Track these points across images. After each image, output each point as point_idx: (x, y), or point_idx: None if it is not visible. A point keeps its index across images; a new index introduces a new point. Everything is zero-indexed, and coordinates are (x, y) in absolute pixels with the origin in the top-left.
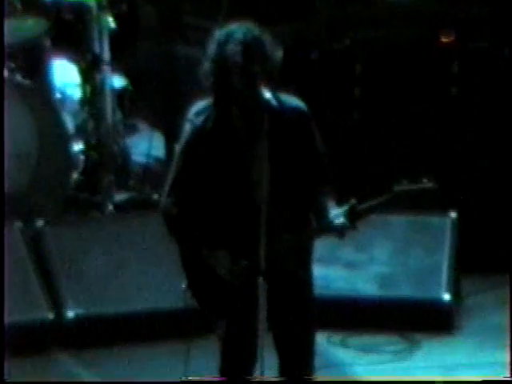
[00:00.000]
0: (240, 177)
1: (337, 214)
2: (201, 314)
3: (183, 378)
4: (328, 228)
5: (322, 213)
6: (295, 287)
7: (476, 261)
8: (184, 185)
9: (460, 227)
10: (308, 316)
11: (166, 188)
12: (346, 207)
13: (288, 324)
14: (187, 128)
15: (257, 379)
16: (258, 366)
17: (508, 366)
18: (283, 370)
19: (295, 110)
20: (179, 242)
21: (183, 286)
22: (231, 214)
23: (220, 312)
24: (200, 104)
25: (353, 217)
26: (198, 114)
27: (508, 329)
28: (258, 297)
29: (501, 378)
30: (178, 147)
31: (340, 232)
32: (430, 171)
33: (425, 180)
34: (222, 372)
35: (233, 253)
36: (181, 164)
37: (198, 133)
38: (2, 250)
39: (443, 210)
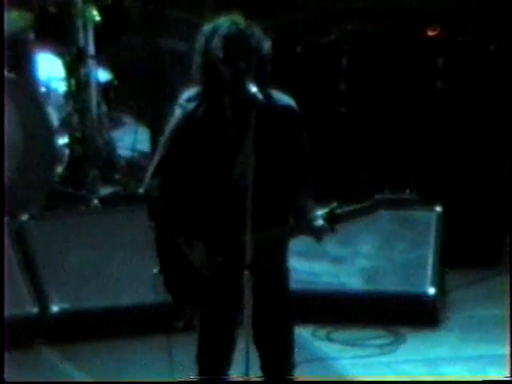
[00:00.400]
0: (224, 168)
1: (316, 215)
2: (170, 307)
3: (183, 378)
4: (306, 228)
5: (301, 213)
6: (270, 283)
7: (460, 255)
8: (169, 168)
9: (445, 221)
10: (284, 311)
11: (151, 169)
12: (326, 210)
13: (264, 320)
14: (177, 113)
15: (258, 379)
16: (243, 365)
17: (487, 360)
18: (263, 366)
19: (284, 108)
20: (157, 226)
21: (154, 271)
22: (213, 204)
23: (191, 302)
24: (192, 90)
25: (332, 220)
26: (189, 99)
27: (492, 322)
28: (237, 290)
29: (501, 378)
30: (166, 130)
31: (318, 234)
32: (414, 167)
33: (407, 191)
34: (200, 362)
35: (209, 244)
36: (168, 147)
37: (188, 119)
38: (2, 249)
39: (429, 204)
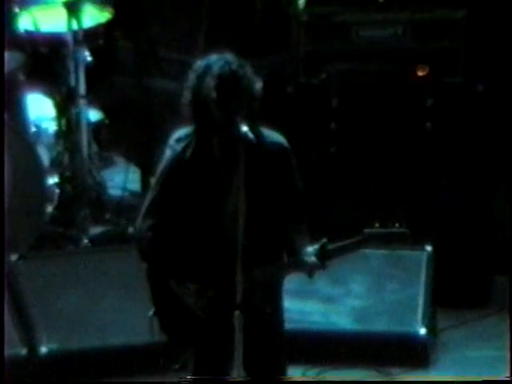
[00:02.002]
0: (215, 208)
1: (307, 252)
2: (167, 345)
3: (183, 378)
4: (298, 265)
5: (294, 250)
6: (264, 322)
7: (451, 295)
8: (160, 210)
9: (436, 261)
10: (277, 351)
11: (142, 211)
12: (316, 246)
13: (258, 359)
14: (167, 154)
15: (256, 380)
16: None
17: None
18: None
19: (275, 145)
20: (149, 268)
21: (150, 314)
22: (204, 244)
23: (186, 343)
24: (181, 131)
25: (323, 256)
26: (178, 140)
27: (483, 363)
28: (230, 330)
29: (501, 378)
30: (157, 172)
31: (309, 270)
32: (404, 206)
33: (396, 225)
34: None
35: (201, 284)
36: (158, 189)
37: (178, 159)
38: (3, 250)
39: (419, 244)
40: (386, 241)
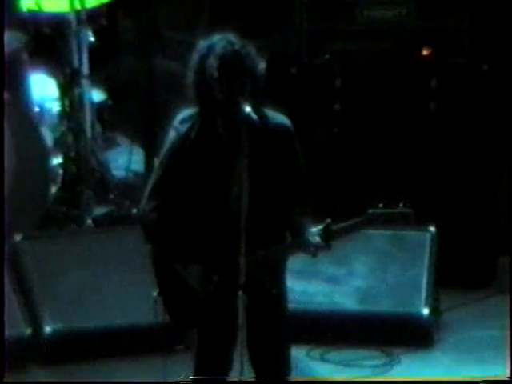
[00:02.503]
0: (219, 189)
1: (311, 232)
2: (171, 326)
3: (183, 378)
4: (302, 246)
5: (298, 230)
6: (268, 303)
7: (454, 275)
8: (164, 191)
9: (439, 242)
10: (281, 332)
11: (147, 192)
12: (320, 226)
13: (262, 340)
14: (171, 135)
15: (255, 379)
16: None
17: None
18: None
19: (278, 126)
20: (154, 249)
21: (154, 294)
22: (208, 225)
23: (190, 323)
24: (186, 112)
25: (327, 236)
26: (183, 121)
27: (486, 343)
28: (234, 310)
29: (501, 378)
30: (161, 153)
31: (313, 251)
32: (408, 187)
33: (400, 205)
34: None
35: (205, 266)
36: (163, 170)
37: (182, 140)
38: (3, 248)
39: (422, 225)
40: (389, 221)
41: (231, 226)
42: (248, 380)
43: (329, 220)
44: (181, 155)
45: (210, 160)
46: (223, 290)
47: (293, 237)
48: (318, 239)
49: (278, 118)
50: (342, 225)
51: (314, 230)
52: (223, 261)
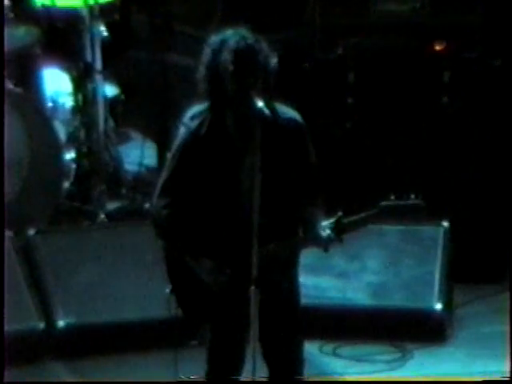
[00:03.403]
0: (230, 184)
1: (323, 226)
2: (184, 321)
3: (183, 378)
4: (314, 240)
5: (310, 225)
6: (280, 298)
7: (467, 270)
8: (175, 187)
9: (452, 237)
10: (294, 326)
11: (157, 189)
12: (332, 220)
13: (274, 334)
14: (182, 131)
15: (262, 379)
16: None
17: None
18: (272, 379)
19: (290, 121)
20: (165, 245)
21: (167, 291)
22: (219, 220)
23: (203, 318)
24: (195, 108)
25: (339, 230)
26: (193, 117)
27: (499, 338)
28: (247, 305)
29: (501, 378)
30: (172, 149)
31: (325, 244)
32: (420, 181)
33: (412, 196)
34: (209, 378)
35: (218, 260)
36: (173, 166)
37: (192, 137)
38: (3, 250)
39: (435, 219)
40: (402, 213)
41: (243, 221)
42: (250, 380)
43: (340, 213)
44: (191, 151)
45: (221, 155)
46: (236, 285)
47: (304, 231)
48: (329, 232)
49: (289, 112)
50: (353, 217)
51: (325, 223)
52: (235, 254)
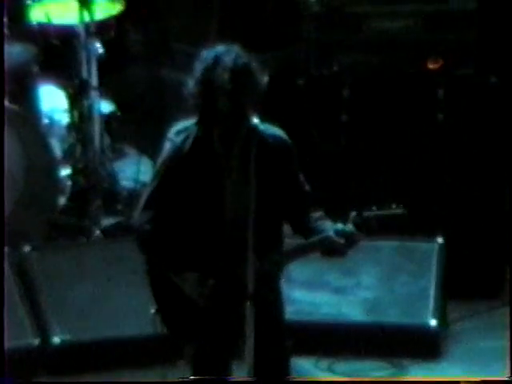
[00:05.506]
0: (214, 200)
1: (335, 228)
2: (170, 340)
3: (183, 378)
4: (325, 243)
5: (315, 230)
6: (266, 311)
7: (462, 286)
8: (159, 202)
9: (447, 252)
10: (280, 339)
11: (141, 204)
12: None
13: (261, 348)
14: (167, 147)
15: (256, 379)
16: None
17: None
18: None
19: (278, 139)
20: (148, 261)
21: (152, 311)
22: (203, 237)
23: (189, 337)
24: (181, 124)
25: (363, 224)
26: (178, 133)
27: (494, 354)
28: (233, 318)
29: (501, 378)
30: (156, 164)
31: (348, 244)
32: (415, 198)
33: (394, 205)
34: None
35: (200, 272)
36: (157, 181)
37: (177, 152)
38: (2, 253)
39: (430, 235)
40: (384, 222)
41: (227, 238)
42: (249, 380)
43: (354, 213)
44: (176, 167)
45: (204, 171)
46: (221, 298)
47: (310, 236)
48: (352, 228)
49: (275, 130)
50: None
51: (338, 225)
52: (219, 269)
